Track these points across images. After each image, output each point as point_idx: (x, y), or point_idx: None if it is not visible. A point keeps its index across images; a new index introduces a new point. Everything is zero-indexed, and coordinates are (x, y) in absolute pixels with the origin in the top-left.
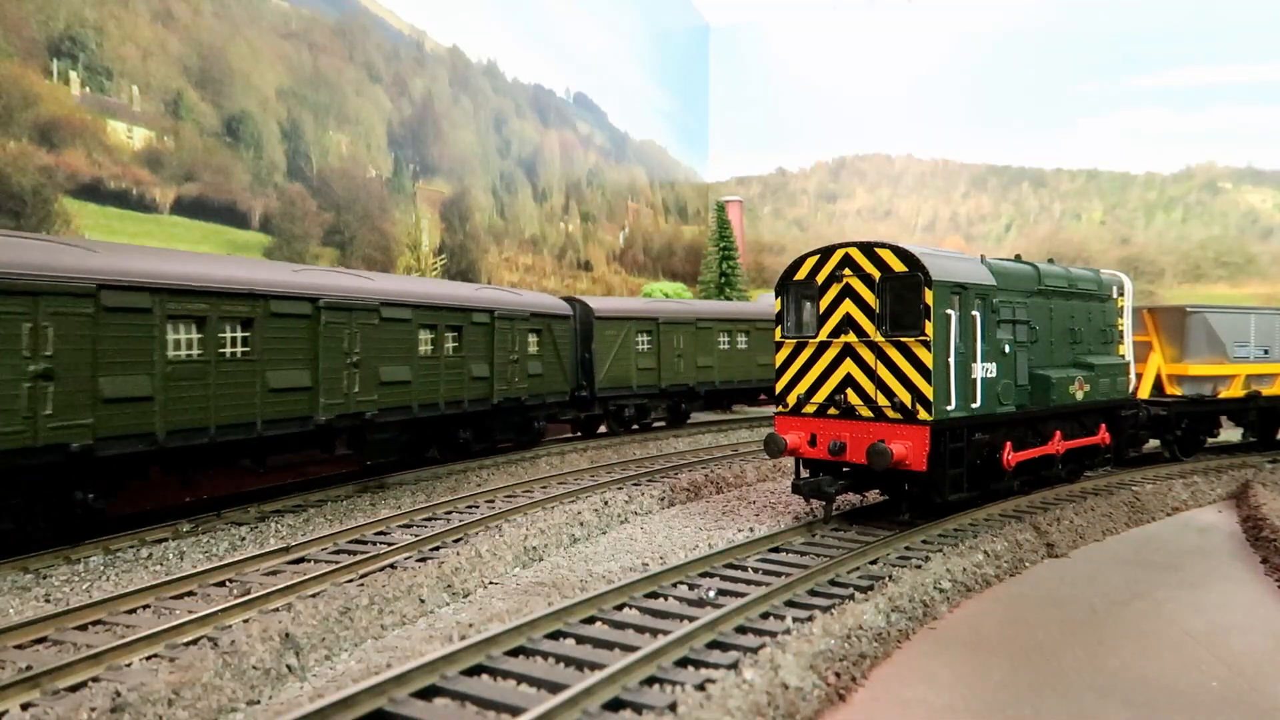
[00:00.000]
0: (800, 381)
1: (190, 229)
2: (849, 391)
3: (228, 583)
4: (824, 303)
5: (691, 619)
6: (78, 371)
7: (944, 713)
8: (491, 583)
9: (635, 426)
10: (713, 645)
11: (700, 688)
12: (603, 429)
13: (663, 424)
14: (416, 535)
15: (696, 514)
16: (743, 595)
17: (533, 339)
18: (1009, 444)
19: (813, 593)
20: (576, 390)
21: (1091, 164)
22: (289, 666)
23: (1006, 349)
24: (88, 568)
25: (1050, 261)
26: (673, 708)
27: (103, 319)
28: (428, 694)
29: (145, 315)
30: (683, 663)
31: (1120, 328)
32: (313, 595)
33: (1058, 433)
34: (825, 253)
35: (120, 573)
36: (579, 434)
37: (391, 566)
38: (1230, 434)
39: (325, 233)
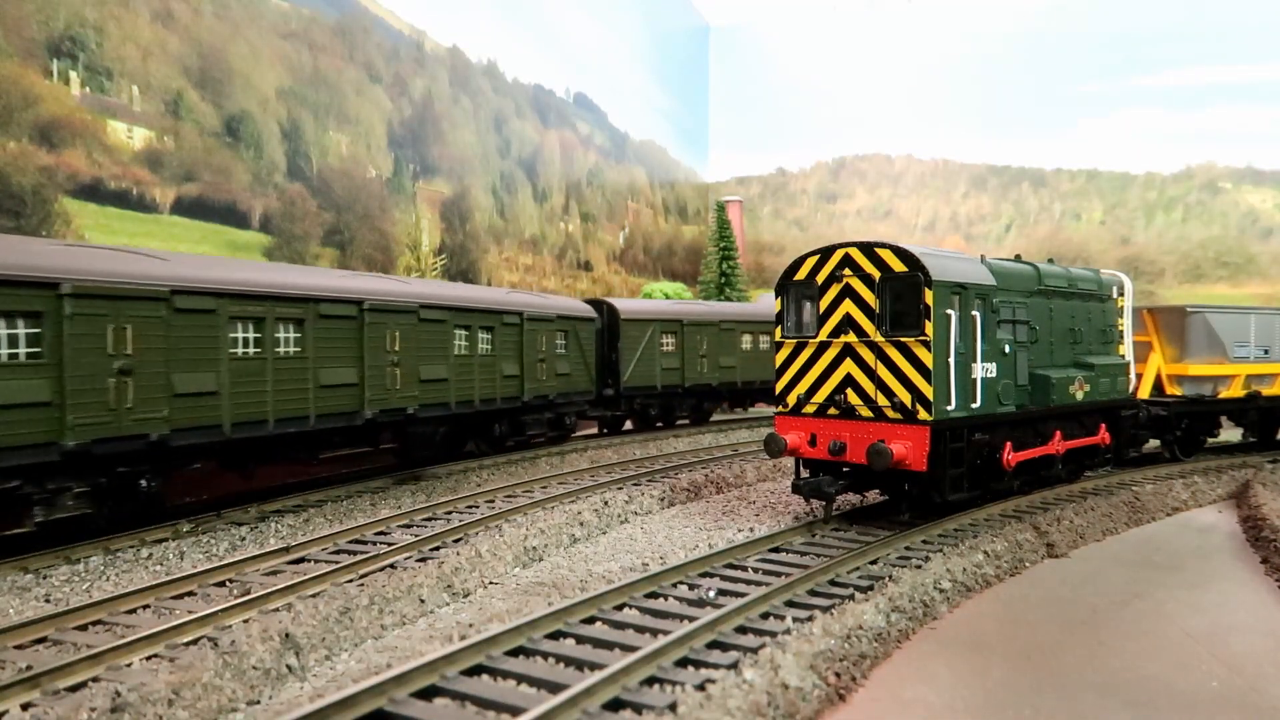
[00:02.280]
0: (800, 381)
1: (190, 229)
2: (849, 391)
3: (228, 583)
4: (824, 303)
5: (691, 619)
6: None
7: (944, 713)
8: (491, 583)
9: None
10: (713, 645)
11: (700, 688)
12: None
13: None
14: (416, 535)
15: (696, 514)
16: (743, 595)
17: None
18: (1009, 444)
19: (813, 593)
20: None
21: (1091, 164)
22: (289, 666)
23: (1006, 349)
24: (88, 568)
25: (1050, 261)
26: (673, 708)
27: None
28: (428, 694)
29: None
30: (683, 663)
31: (1120, 328)
32: (313, 595)
33: (1058, 433)
34: (825, 253)
35: (120, 573)
36: None
37: (391, 566)
38: (1230, 434)
39: (325, 233)
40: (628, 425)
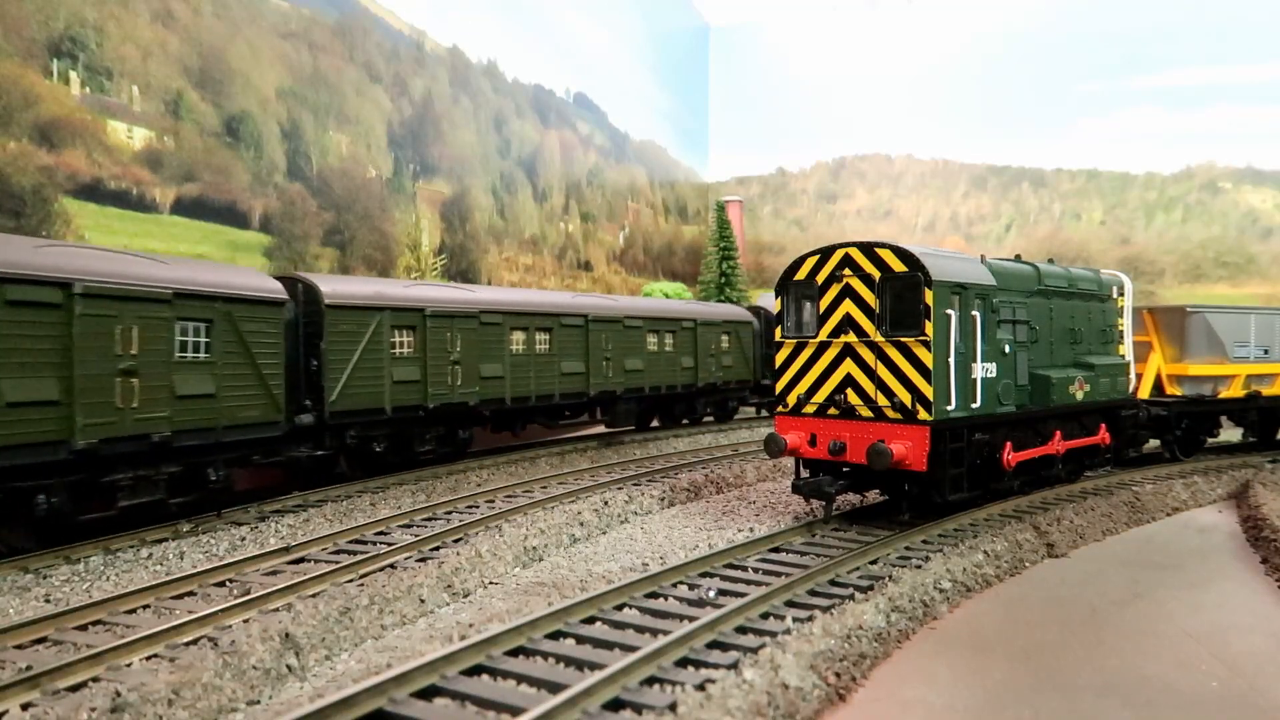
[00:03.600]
0: (800, 381)
1: (190, 229)
2: (849, 391)
3: (228, 583)
4: (824, 303)
5: (691, 619)
6: None
7: (944, 713)
8: (491, 583)
9: None
10: (713, 645)
11: (700, 688)
12: None
13: None
14: (416, 535)
15: (696, 514)
16: (743, 595)
17: None
18: (1009, 444)
19: (813, 593)
20: None
21: (1091, 164)
22: (289, 666)
23: (1006, 349)
24: (88, 568)
25: (1050, 261)
26: (673, 708)
27: None
28: (428, 694)
29: None
30: (683, 663)
31: (1120, 328)
32: (313, 595)
33: (1058, 433)
34: (825, 253)
35: (120, 573)
36: None
37: (391, 566)
38: (1230, 434)
39: (325, 233)
40: (341, 468)
